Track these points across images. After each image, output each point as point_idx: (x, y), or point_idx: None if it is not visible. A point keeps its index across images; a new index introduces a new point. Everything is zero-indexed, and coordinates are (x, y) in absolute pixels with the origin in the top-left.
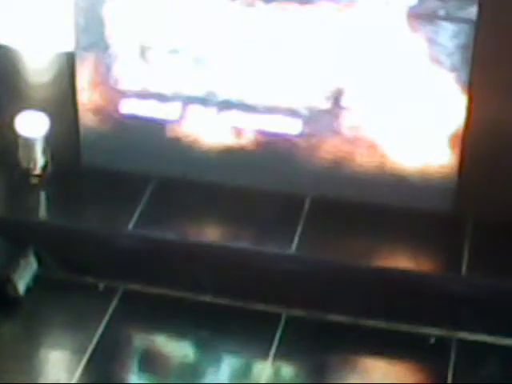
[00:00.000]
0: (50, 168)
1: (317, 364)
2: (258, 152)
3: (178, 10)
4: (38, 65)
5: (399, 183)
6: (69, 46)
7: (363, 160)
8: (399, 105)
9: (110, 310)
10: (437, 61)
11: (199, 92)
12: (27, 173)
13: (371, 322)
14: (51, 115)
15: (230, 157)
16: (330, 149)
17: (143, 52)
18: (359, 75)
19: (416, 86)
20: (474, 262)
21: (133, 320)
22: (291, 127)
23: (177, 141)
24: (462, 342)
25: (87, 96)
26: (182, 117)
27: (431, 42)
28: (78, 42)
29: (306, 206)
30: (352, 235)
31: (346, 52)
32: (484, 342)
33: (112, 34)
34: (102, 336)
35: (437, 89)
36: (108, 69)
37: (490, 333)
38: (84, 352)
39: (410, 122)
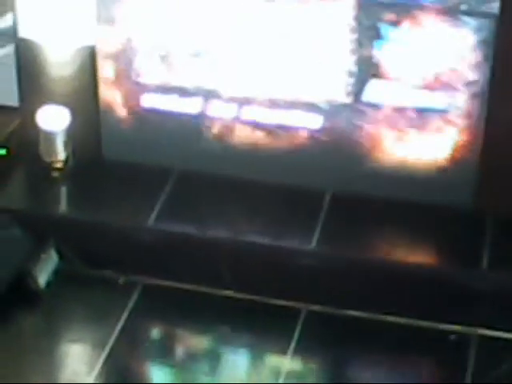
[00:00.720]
0: (71, 162)
1: (336, 359)
2: (278, 146)
3: (198, 4)
4: (59, 58)
5: (420, 178)
6: (91, 40)
7: (383, 155)
8: (414, 98)
9: (130, 305)
10: (459, 55)
11: (220, 87)
12: (48, 166)
13: (390, 318)
14: (72, 109)
15: (250, 151)
16: (350, 144)
17: (165, 46)
18: (378, 69)
19: (434, 78)
20: (495, 258)
21: (153, 315)
22: (312, 122)
23: (198, 135)
24: (482, 338)
25: (108, 90)
26: (203, 111)
27: (453, 36)
28: (99, 35)
29: (326, 201)
30: (372, 231)
31: (366, 46)
32: (504, 339)
33: (133, 27)
34: (121, 330)
35: (457, 83)
36: (129, 63)
37: (511, 329)
38: (104, 346)
39: (428, 117)
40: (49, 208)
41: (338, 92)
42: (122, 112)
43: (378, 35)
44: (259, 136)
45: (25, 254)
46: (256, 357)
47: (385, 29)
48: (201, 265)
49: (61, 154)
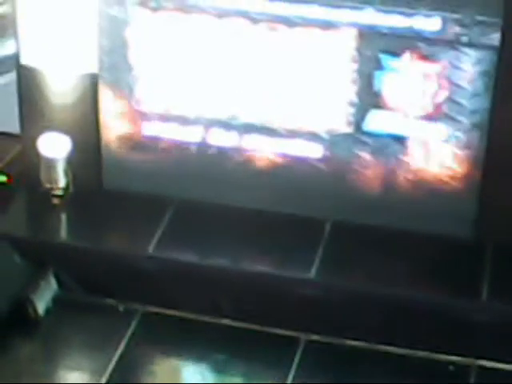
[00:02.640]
0: (71, 189)
1: None
2: (279, 175)
3: (201, 34)
4: (61, 86)
5: (420, 208)
6: (92, 68)
7: (383, 185)
8: (415, 128)
9: (129, 332)
10: (459, 87)
11: (221, 115)
12: (49, 193)
13: (390, 348)
14: (73, 136)
15: (251, 180)
16: (351, 173)
17: (165, 75)
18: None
19: (432, 110)
20: (495, 288)
21: (152, 342)
22: (312, 151)
23: (198, 164)
24: (481, 369)
25: (110, 118)
26: (203, 140)
27: (453, 67)
28: (101, 63)
29: (327, 230)
30: (372, 260)
31: (367, 76)
32: (504, 370)
33: (135, 55)
34: (120, 358)
35: (456, 114)
36: (130, 90)
37: (511, 361)
38: (103, 374)
39: (428, 147)
40: (48, 235)
41: (339, 122)
42: (122, 140)
43: (378, 65)
44: (260, 165)
45: (24, 281)
46: None
47: (386, 59)
48: (200, 293)
49: (61, 182)
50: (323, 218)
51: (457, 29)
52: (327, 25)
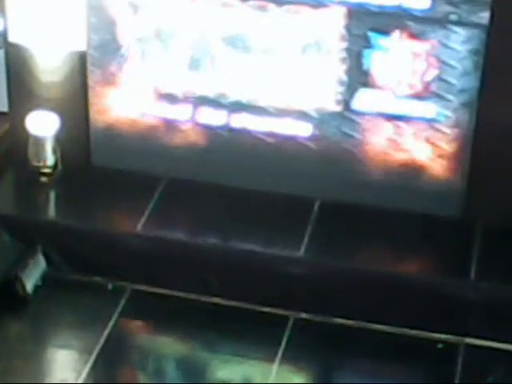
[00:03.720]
0: (59, 167)
1: (323, 367)
2: (268, 154)
3: (190, 12)
4: (49, 64)
5: (409, 187)
6: (80, 46)
7: (372, 164)
8: (403, 107)
9: (118, 311)
10: (448, 65)
11: (210, 94)
12: (37, 172)
13: (379, 327)
14: (62, 114)
15: (240, 159)
16: (339, 152)
17: (154, 53)
18: (368, 78)
19: (421, 89)
20: (483, 268)
21: (140, 320)
22: (301, 129)
23: (187, 142)
24: (469, 347)
25: (98, 96)
26: (192, 118)
27: (443, 46)
28: (89, 41)
29: (315, 209)
30: (360, 239)
31: (356, 55)
32: (491, 348)
33: (124, 34)
34: (109, 336)
35: (445, 93)
36: (119, 69)
37: (498, 338)
38: (91, 351)
39: (418, 125)
40: (37, 213)
41: (328, 100)
42: (110, 118)
43: (368, 44)
44: (249, 144)
45: (12, 260)
46: (243, 364)
47: (375, 38)
48: (189, 271)
49: (49, 160)
50: (312, 197)
51: (446, 7)
52: (317, 3)
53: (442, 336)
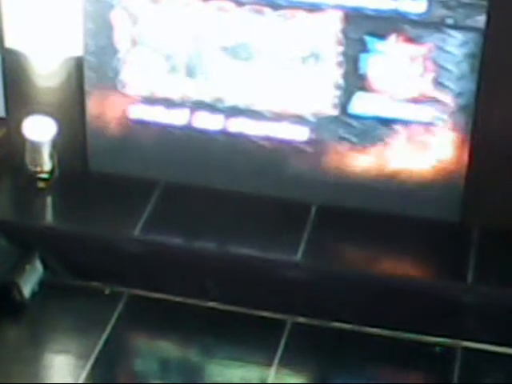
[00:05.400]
0: (56, 172)
1: (321, 372)
2: (265, 158)
3: (187, 17)
4: (46, 69)
5: (406, 191)
6: (77, 51)
7: (369, 168)
8: (400, 111)
9: (116, 315)
10: (445, 69)
11: (207, 98)
12: (34, 177)
13: (376, 331)
14: (59, 119)
15: (236, 163)
16: (336, 156)
17: (150, 57)
18: (365, 81)
19: (418, 93)
20: (480, 271)
21: (138, 325)
22: (298, 134)
23: (183, 146)
24: (466, 351)
25: (95, 101)
26: (189, 122)
27: (439, 50)
28: (86, 46)
29: (313, 213)
30: (357, 243)
31: (353, 58)
32: (489, 352)
33: (120, 38)
34: (106, 341)
35: (441, 97)
36: (116, 74)
37: (495, 342)
38: (89, 357)
39: (415, 129)
40: (34, 218)
41: (325, 104)
42: (107, 123)
43: (364, 48)
44: (246, 148)
45: (9, 265)
46: (241, 368)
47: (371, 42)
48: (186, 276)
49: (46, 165)
50: (309, 201)
51: (442, 11)
52: (313, 7)
53: (440, 339)
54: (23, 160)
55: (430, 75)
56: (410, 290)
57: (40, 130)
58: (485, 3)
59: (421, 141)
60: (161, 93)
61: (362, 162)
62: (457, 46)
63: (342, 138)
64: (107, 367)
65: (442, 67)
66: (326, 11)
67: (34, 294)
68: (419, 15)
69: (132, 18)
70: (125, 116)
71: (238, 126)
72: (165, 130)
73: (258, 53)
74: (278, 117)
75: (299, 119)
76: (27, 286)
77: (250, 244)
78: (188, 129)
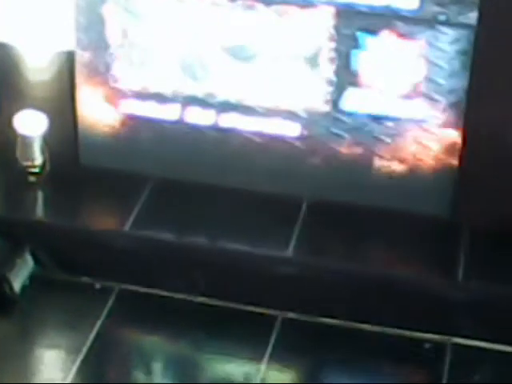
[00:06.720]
0: (47, 167)
1: (312, 367)
2: (256, 154)
3: (179, 11)
4: (37, 63)
5: (397, 188)
6: (69, 45)
7: (360, 164)
8: (392, 107)
9: (106, 310)
10: (437, 66)
11: (198, 93)
12: (25, 171)
13: (366, 326)
14: (50, 114)
15: (228, 158)
16: (328, 152)
17: (142, 52)
18: (357, 78)
19: (412, 87)
20: (471, 268)
21: (128, 320)
22: (290, 129)
23: (175, 141)
24: (457, 347)
25: (86, 95)
26: (181, 117)
27: (431, 46)
28: (78, 40)
29: (304, 208)
30: (348, 239)
31: (345, 55)
32: (479, 348)
33: (112, 33)
34: (97, 336)
35: (433, 93)
36: (108, 68)
37: (486, 339)
38: (79, 352)
39: (406, 126)
40: (25, 213)
41: (317, 100)
42: (99, 118)
43: (356, 44)
44: (237, 143)
45: (0, 259)
46: (231, 363)
47: (363, 38)
48: (177, 271)
49: (38, 159)
50: (300, 197)
51: (434, 8)
52: (305, 3)
53: (430, 336)
54: (14, 154)
55: (422, 72)
56: (400, 286)
57: (31, 124)
58: (476, 0)
59: (412, 137)
60: (152, 88)
61: (354, 158)
62: (449, 43)
63: (334, 134)
64: (97, 362)
65: (433, 64)
66: (318, 7)
67: (24, 289)
68: (411, 12)
69: (124, 12)
70: (116, 111)
71: (229, 121)
72: (156, 124)
73: (250, 48)
74: (270, 112)
75: (291, 115)
76: (17, 281)
77: (240, 239)
78: (180, 124)
